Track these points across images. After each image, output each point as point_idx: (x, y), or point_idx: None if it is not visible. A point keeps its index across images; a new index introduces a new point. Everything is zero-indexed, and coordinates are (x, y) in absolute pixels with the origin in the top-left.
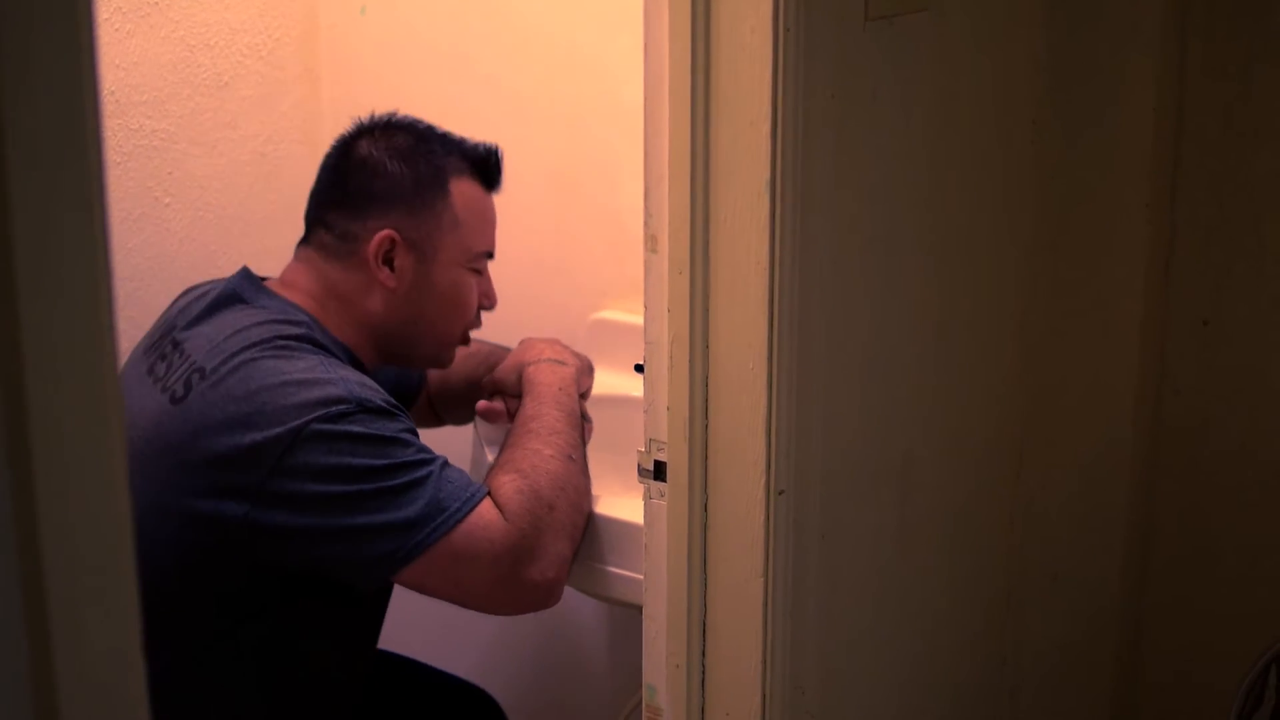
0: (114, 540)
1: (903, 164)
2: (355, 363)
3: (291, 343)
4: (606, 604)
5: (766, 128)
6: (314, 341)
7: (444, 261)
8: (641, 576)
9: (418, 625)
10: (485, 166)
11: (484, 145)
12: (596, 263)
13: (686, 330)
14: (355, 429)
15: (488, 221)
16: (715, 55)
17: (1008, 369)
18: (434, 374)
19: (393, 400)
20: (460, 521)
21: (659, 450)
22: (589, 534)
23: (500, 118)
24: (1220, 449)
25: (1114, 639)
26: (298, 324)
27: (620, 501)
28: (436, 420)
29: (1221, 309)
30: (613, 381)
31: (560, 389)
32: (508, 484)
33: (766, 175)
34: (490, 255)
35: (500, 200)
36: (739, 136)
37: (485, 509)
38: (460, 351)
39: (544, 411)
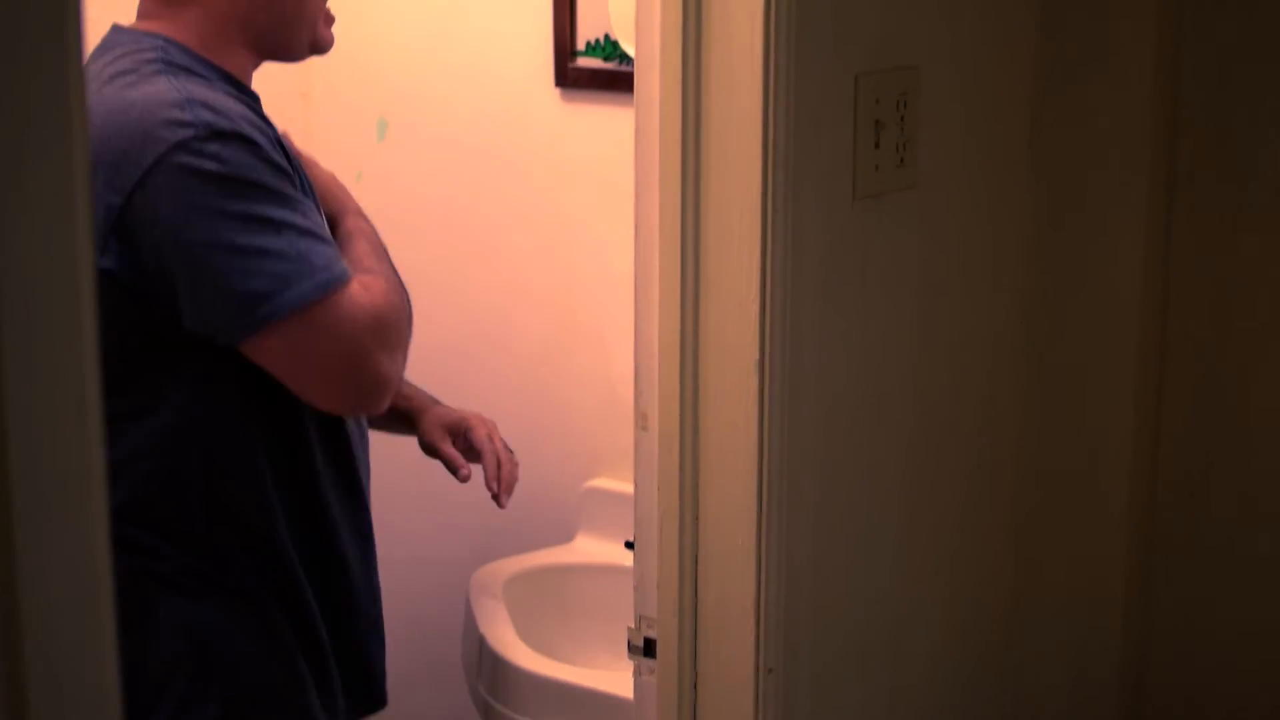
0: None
1: (892, 339)
2: (228, 79)
3: (140, 68)
4: None
5: (755, 308)
6: (169, 63)
7: None
8: None
9: None
10: None
11: None
12: (589, 431)
13: (676, 507)
14: (208, 166)
15: None
16: (705, 237)
17: (998, 551)
18: None
19: (254, 120)
20: (324, 296)
21: (649, 627)
22: (579, 708)
23: (494, 285)
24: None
25: None
26: (149, 49)
27: (611, 676)
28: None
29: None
30: (605, 550)
31: (371, 239)
32: (378, 279)
33: (755, 355)
34: None
35: (494, 367)
36: (728, 317)
37: (352, 288)
38: None
39: (367, 228)
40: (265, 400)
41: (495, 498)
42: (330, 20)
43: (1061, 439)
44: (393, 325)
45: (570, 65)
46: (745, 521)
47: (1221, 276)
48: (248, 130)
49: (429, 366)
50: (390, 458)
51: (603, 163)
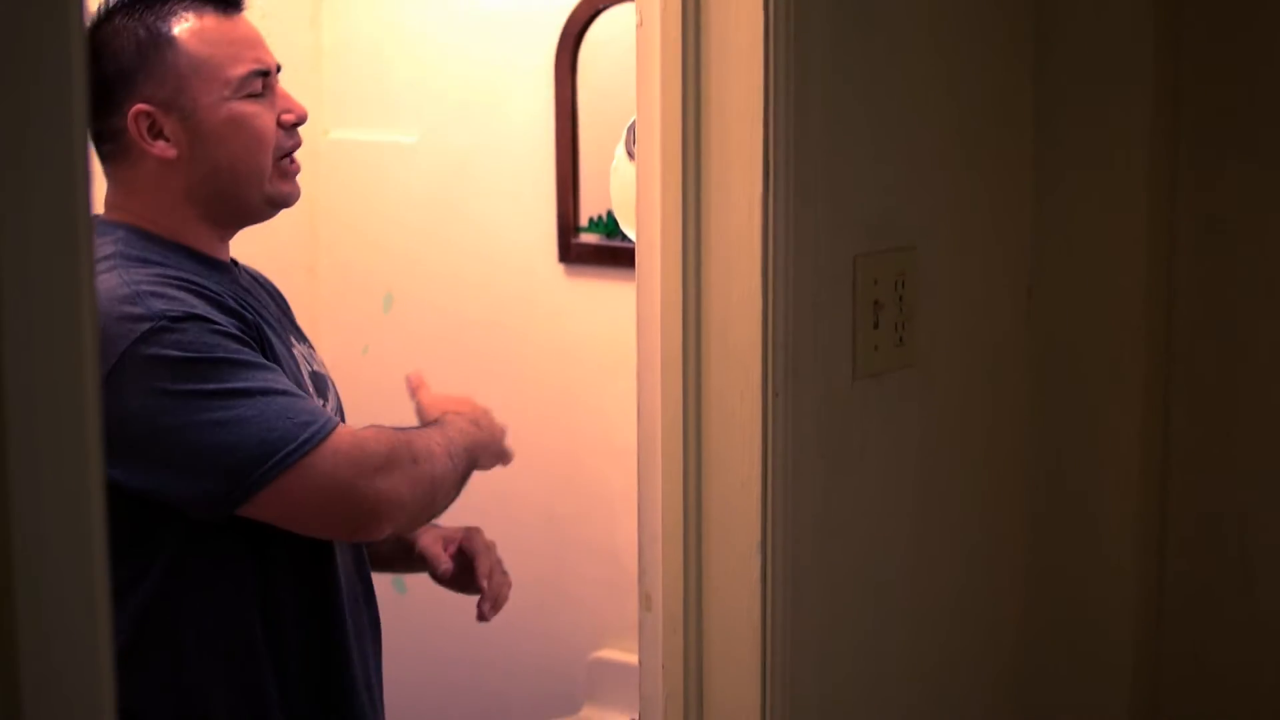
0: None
1: (890, 514)
2: (192, 255)
3: (97, 264)
4: None
5: (757, 489)
6: (124, 256)
7: (205, 105)
8: None
9: None
10: None
11: None
12: (595, 601)
13: (681, 690)
14: (170, 353)
15: (237, 43)
16: (706, 418)
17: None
18: None
19: (210, 295)
20: (302, 458)
21: None
22: None
23: None
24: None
25: None
26: (109, 242)
27: None
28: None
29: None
30: None
31: (467, 429)
32: (378, 429)
33: (757, 537)
34: (264, 73)
35: (499, 537)
36: (730, 498)
37: (335, 436)
38: None
39: (447, 427)
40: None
41: (480, 607)
42: (292, 173)
43: (1066, 597)
44: (381, 453)
45: (573, 240)
46: (749, 707)
47: (1223, 443)
48: (201, 309)
49: None
50: (400, 620)
51: (606, 335)
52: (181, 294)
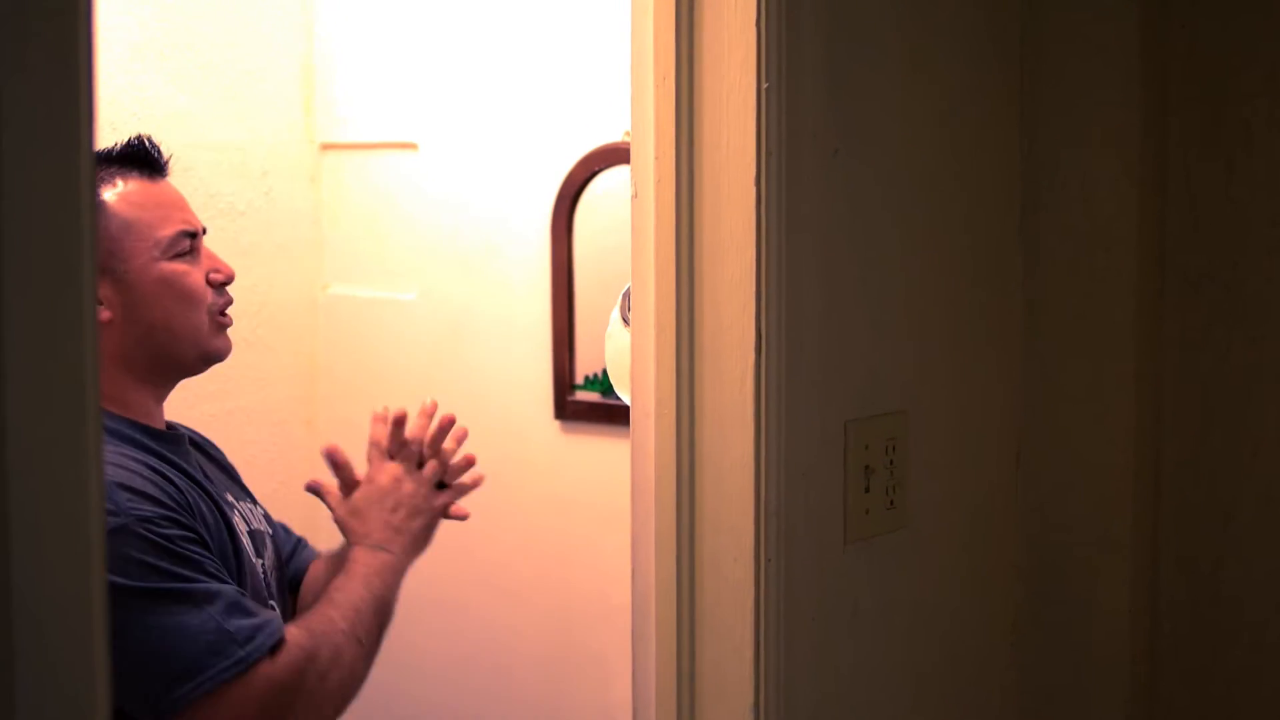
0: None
1: (885, 679)
2: (134, 425)
3: None
4: None
5: (750, 654)
6: None
7: (137, 267)
8: None
9: None
10: (136, 159)
11: (129, 139)
12: None
13: None
14: (131, 553)
15: (164, 205)
16: (700, 585)
17: None
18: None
19: (167, 486)
20: (228, 681)
21: None
22: None
23: (495, 609)
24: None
25: None
26: None
27: None
28: None
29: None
30: None
31: (376, 573)
32: (293, 636)
33: (750, 699)
34: (191, 234)
35: (494, 691)
36: (723, 663)
37: (276, 658)
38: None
39: (351, 586)
40: None
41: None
42: (225, 327)
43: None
44: (291, 686)
45: (569, 399)
46: None
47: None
48: (160, 506)
49: (429, 688)
50: None
51: (601, 491)
52: (143, 483)
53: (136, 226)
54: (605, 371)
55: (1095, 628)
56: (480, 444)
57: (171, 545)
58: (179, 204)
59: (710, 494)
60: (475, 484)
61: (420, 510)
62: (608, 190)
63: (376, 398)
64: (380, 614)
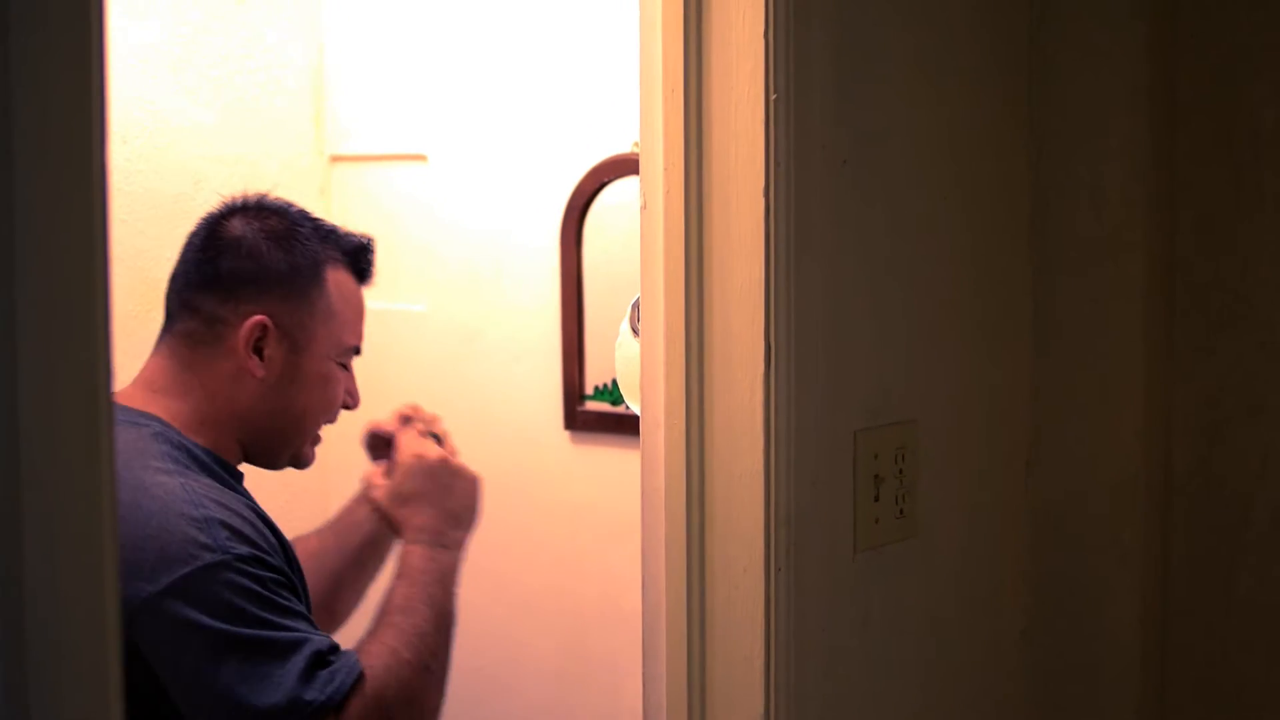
0: None
1: (895, 687)
2: (218, 461)
3: (146, 448)
4: None
5: (760, 663)
6: (174, 459)
7: (316, 353)
8: None
9: None
10: (359, 258)
11: (358, 236)
12: None
13: None
14: (224, 595)
15: (359, 315)
16: (710, 596)
17: None
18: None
19: (260, 526)
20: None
21: None
22: None
23: (506, 620)
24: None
25: None
26: (147, 437)
27: None
28: None
29: None
30: None
31: (437, 581)
32: (359, 684)
33: (760, 709)
34: (358, 351)
35: (506, 699)
36: (734, 672)
37: (361, 689)
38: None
39: (414, 607)
40: None
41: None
42: (316, 441)
43: None
44: (402, 695)
45: (579, 409)
46: None
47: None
48: (259, 543)
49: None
50: None
51: (611, 501)
52: (241, 523)
53: (336, 321)
54: (615, 382)
55: (1105, 637)
56: (490, 453)
57: (263, 590)
58: (364, 315)
59: (720, 503)
60: None
61: (463, 474)
62: (617, 201)
63: (387, 408)
64: (444, 629)
